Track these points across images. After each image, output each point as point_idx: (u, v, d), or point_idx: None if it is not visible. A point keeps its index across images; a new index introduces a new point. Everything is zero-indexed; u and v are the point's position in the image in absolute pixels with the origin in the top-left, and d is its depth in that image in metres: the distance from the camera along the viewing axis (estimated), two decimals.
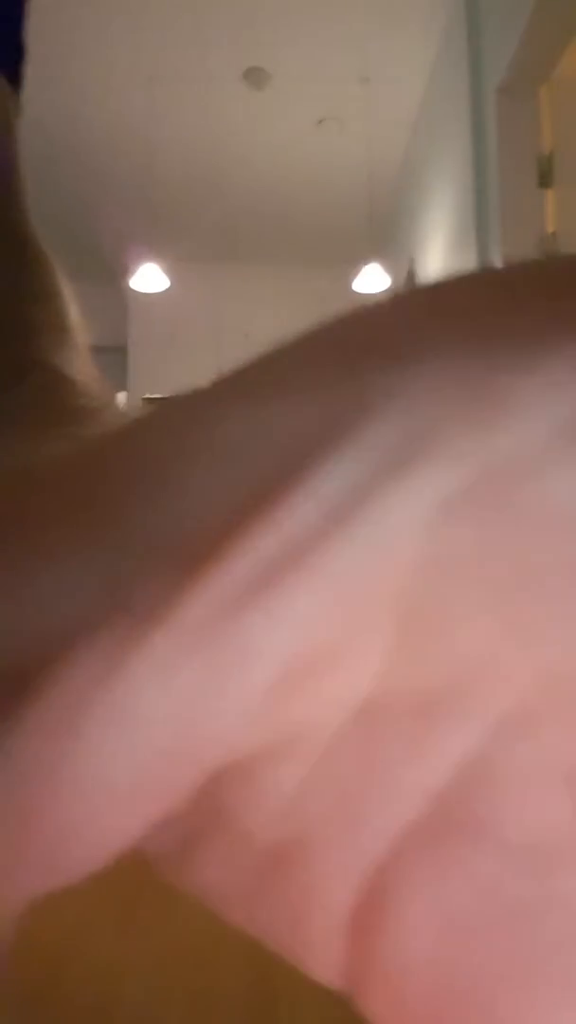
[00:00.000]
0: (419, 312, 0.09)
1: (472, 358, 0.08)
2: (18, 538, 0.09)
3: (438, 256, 3.26)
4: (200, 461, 0.08)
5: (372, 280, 3.83)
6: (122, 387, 4.96)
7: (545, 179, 2.35)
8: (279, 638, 0.08)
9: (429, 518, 0.08)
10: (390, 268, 3.97)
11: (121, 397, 3.62)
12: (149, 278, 3.97)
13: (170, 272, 4.12)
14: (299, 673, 0.08)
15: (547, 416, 0.08)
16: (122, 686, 0.08)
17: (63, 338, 0.18)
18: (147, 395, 3.10)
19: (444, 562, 0.08)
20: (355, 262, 4.17)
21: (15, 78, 0.31)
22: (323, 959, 0.10)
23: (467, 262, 2.69)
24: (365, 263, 3.87)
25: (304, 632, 0.08)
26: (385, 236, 4.52)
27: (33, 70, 0.32)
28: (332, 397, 0.08)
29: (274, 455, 0.08)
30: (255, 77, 3.40)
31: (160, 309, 5.17)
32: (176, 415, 0.09)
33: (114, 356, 5.15)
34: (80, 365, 0.17)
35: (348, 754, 0.09)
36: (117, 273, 5.09)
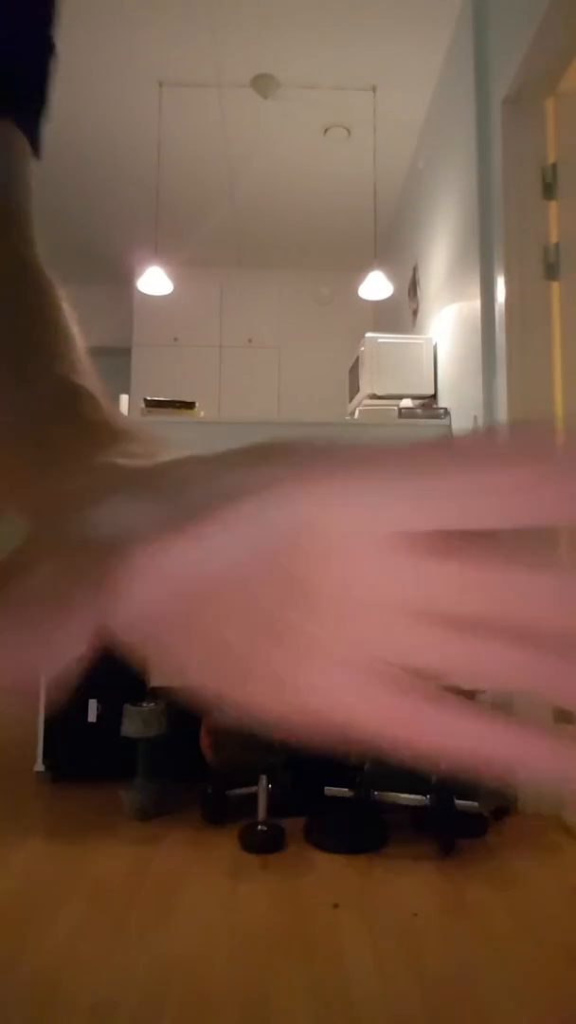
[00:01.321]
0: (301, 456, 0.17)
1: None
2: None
3: (441, 264, 3.27)
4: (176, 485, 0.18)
5: (376, 287, 3.84)
6: (125, 389, 4.97)
7: (549, 190, 2.36)
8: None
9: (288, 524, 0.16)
10: (394, 275, 3.98)
11: (123, 399, 3.62)
12: (153, 282, 3.98)
13: (174, 276, 4.13)
14: None
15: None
16: None
17: (72, 362, 0.20)
18: (148, 397, 3.11)
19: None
20: (359, 269, 4.18)
21: (37, 126, 0.32)
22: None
23: (470, 270, 2.70)
24: (369, 270, 3.87)
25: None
26: (389, 243, 4.53)
27: None
28: (240, 479, 0.16)
29: (202, 502, 0.16)
30: (263, 84, 3.42)
31: (164, 312, 5.18)
32: (180, 465, 0.18)
33: (119, 358, 5.15)
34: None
35: None
36: (123, 276, 5.11)
